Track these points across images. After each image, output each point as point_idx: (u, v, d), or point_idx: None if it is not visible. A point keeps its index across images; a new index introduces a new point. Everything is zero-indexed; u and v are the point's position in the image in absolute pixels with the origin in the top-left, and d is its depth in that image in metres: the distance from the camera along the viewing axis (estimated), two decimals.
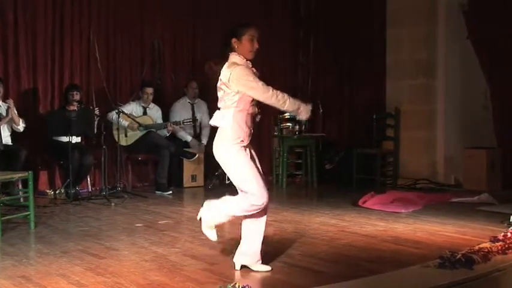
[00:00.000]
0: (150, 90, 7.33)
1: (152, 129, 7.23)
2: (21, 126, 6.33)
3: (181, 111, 7.62)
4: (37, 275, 3.47)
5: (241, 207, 3.50)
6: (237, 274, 3.53)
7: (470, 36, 7.49)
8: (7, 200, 5.52)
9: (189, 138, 7.57)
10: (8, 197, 5.64)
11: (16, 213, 5.15)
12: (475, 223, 5.05)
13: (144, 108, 7.37)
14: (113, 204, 6.16)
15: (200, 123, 7.74)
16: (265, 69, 8.15)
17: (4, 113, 6.25)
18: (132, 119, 7.06)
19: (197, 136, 7.74)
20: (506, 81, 7.26)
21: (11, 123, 6.28)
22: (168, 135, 7.36)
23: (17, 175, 5.11)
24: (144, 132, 7.20)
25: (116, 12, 7.48)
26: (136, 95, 7.44)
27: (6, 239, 4.52)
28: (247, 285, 3.15)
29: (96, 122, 6.74)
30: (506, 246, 3.99)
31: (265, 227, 3.68)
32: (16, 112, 6.28)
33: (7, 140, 6.22)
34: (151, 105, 7.43)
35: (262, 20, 8.58)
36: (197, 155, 7.47)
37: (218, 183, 7.53)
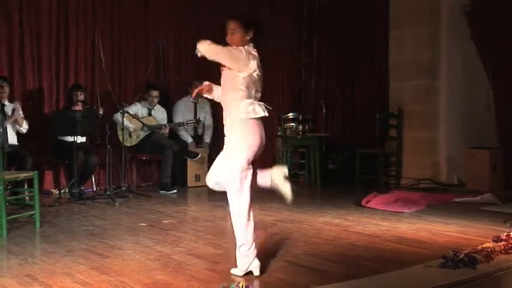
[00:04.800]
0: (155, 93, 7.35)
1: (156, 130, 7.26)
2: (24, 128, 6.36)
3: (183, 110, 7.64)
4: (42, 274, 3.50)
5: (236, 205, 3.47)
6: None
7: (473, 36, 7.50)
8: (13, 200, 5.56)
9: (189, 139, 7.58)
10: (14, 197, 5.67)
11: (21, 212, 5.18)
12: (477, 223, 5.06)
13: (149, 110, 7.39)
14: (117, 203, 6.19)
15: (203, 124, 7.74)
16: (268, 68, 8.18)
17: (10, 113, 6.28)
18: (137, 119, 7.09)
19: (199, 136, 7.76)
20: (508, 81, 7.25)
21: (15, 124, 6.32)
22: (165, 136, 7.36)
23: (23, 175, 5.16)
24: (148, 132, 7.23)
25: (121, 12, 7.52)
26: (141, 95, 7.46)
27: (11, 238, 4.56)
28: (251, 285, 3.17)
29: (99, 122, 6.78)
30: (509, 245, 3.99)
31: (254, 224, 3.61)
32: (22, 113, 6.32)
33: (13, 140, 6.24)
34: (157, 107, 7.45)
35: (265, 19, 8.60)
36: (200, 155, 7.49)
37: None
